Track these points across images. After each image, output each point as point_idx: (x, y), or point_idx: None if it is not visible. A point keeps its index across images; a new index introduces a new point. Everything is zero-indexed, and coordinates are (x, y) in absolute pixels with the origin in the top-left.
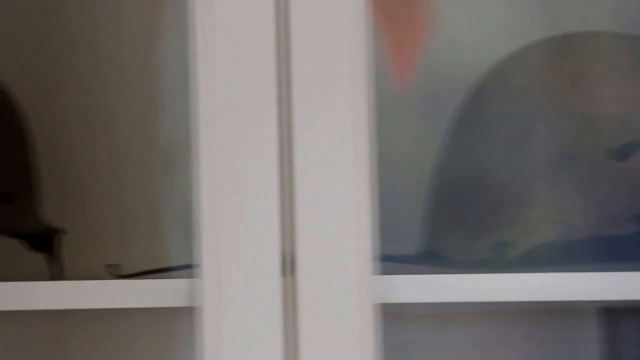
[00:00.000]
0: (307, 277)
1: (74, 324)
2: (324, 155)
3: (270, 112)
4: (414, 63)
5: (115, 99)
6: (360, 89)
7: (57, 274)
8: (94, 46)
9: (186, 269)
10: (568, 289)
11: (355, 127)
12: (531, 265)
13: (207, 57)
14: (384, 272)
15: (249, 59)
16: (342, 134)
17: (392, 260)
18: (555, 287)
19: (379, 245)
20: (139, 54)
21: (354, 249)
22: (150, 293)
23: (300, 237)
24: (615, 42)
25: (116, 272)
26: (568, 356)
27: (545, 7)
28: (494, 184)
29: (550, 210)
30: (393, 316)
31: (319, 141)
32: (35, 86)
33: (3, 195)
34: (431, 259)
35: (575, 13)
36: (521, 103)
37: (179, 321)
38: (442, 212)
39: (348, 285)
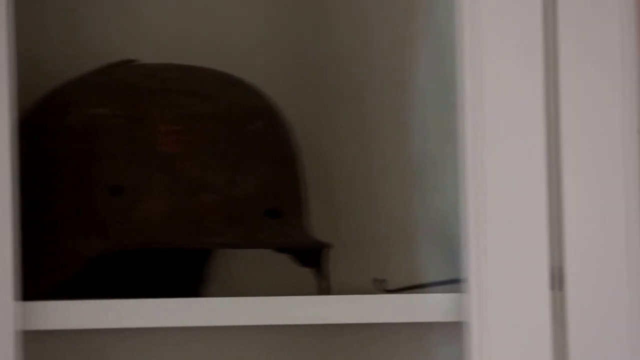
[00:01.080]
0: (576, 292)
1: (339, 337)
2: (592, 168)
3: (539, 124)
4: None
5: (372, 114)
6: (630, 94)
7: (324, 288)
8: (352, 63)
9: (452, 283)
10: None
11: (625, 136)
12: None
13: (475, 69)
14: None
15: (516, 70)
16: (612, 145)
17: None
18: None
19: None
20: (395, 68)
21: (625, 262)
22: (417, 307)
23: (568, 251)
24: None
25: (382, 287)
26: None
27: None
28: None
29: None
30: None
31: (588, 154)
32: (302, 105)
33: (272, 211)
34: None
35: None
36: None
37: (441, 335)
38: None
39: (618, 299)
